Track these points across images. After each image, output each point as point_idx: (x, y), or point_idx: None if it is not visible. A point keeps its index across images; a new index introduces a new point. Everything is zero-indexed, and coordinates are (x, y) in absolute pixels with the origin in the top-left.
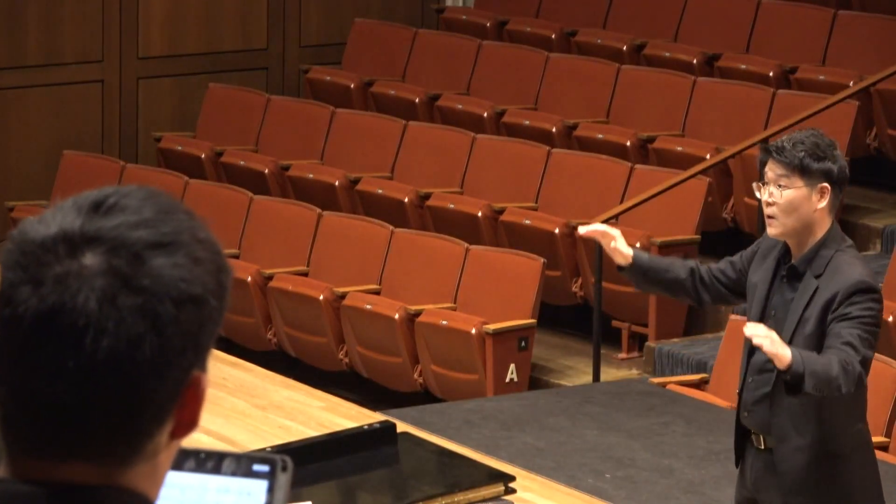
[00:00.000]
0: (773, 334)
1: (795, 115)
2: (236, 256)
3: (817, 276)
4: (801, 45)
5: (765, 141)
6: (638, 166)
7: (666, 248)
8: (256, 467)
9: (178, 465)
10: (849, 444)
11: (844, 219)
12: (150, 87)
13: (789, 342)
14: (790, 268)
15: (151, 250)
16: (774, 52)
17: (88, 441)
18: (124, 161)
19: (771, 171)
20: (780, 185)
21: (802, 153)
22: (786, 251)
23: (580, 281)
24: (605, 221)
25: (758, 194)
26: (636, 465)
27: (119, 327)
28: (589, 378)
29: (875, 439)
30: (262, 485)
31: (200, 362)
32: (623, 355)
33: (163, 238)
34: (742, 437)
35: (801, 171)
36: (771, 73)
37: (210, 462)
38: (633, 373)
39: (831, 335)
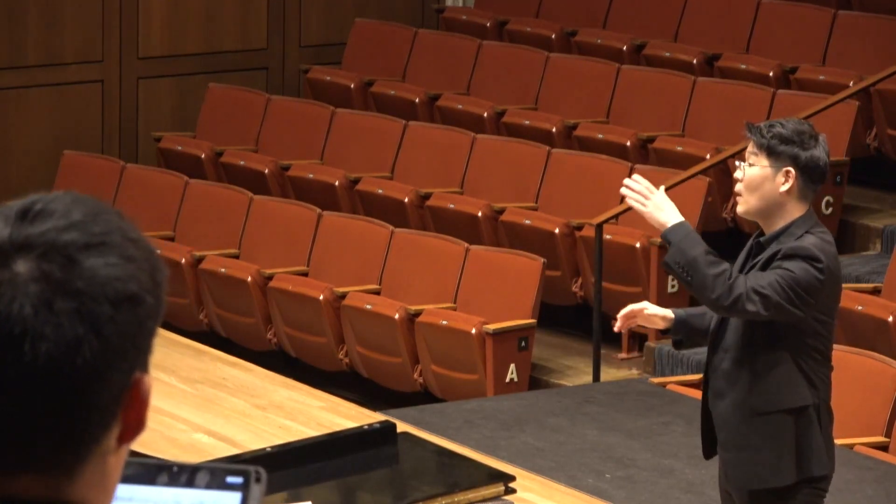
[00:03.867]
0: (657, 196)
1: (795, 115)
2: (236, 256)
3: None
4: (801, 45)
5: None
6: (638, 166)
7: (665, 249)
8: (230, 479)
9: (151, 480)
10: (785, 403)
11: (844, 219)
12: (150, 87)
13: None
14: (757, 244)
15: (83, 252)
16: (774, 52)
17: (34, 451)
18: (124, 161)
19: (748, 149)
20: (749, 164)
21: (772, 135)
22: (759, 235)
23: (580, 281)
24: (605, 222)
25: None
26: (636, 465)
27: (57, 332)
28: (589, 378)
29: (875, 439)
30: (236, 497)
31: (142, 363)
32: (623, 355)
33: (93, 239)
34: (708, 426)
35: (768, 150)
36: (771, 73)
37: (183, 476)
38: (633, 373)
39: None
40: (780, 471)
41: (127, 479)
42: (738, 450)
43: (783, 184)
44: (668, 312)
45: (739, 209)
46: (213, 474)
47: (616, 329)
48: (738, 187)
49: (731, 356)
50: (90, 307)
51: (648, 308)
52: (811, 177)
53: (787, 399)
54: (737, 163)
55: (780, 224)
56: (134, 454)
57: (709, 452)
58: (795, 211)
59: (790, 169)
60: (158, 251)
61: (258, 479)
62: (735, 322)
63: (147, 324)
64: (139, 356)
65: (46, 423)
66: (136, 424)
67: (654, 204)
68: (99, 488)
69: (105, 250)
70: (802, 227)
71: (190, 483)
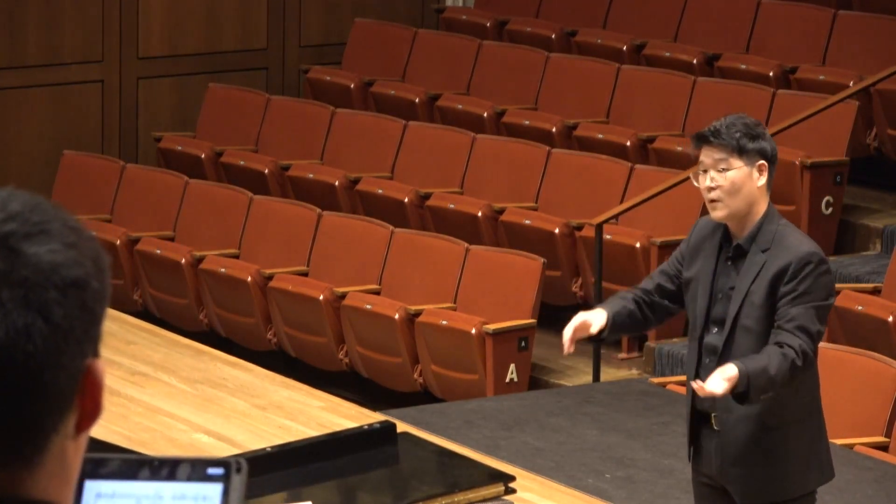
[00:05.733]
0: (718, 381)
1: (795, 115)
2: (236, 256)
3: (764, 251)
4: (801, 45)
5: None
6: (638, 166)
7: (666, 248)
8: (211, 471)
9: (132, 475)
10: (793, 414)
11: (844, 219)
12: (150, 87)
13: (735, 317)
14: (736, 247)
15: (25, 241)
16: (774, 52)
17: None
18: (124, 161)
19: (708, 156)
20: (720, 169)
21: (738, 134)
22: (725, 235)
23: (580, 281)
24: (606, 222)
25: (696, 183)
26: (636, 465)
27: (6, 321)
28: (589, 378)
29: (875, 439)
30: (217, 488)
31: (92, 348)
32: (623, 355)
33: (33, 228)
34: (697, 423)
35: (739, 151)
36: (771, 73)
37: (165, 469)
38: (633, 373)
39: (784, 315)
40: (794, 483)
41: (109, 475)
42: (751, 466)
43: (759, 178)
44: (602, 320)
45: (720, 214)
46: (193, 467)
47: (566, 352)
48: (716, 194)
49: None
50: (37, 294)
51: (592, 325)
52: (774, 164)
53: (797, 411)
54: (696, 173)
55: (751, 221)
56: (129, 452)
57: (694, 451)
58: (763, 204)
59: (763, 162)
60: (157, 251)
61: (239, 470)
62: (745, 338)
63: (95, 308)
64: (90, 341)
65: (4, 414)
66: (92, 410)
67: (719, 390)
68: (59, 479)
69: (46, 238)
70: (773, 222)
71: (171, 476)
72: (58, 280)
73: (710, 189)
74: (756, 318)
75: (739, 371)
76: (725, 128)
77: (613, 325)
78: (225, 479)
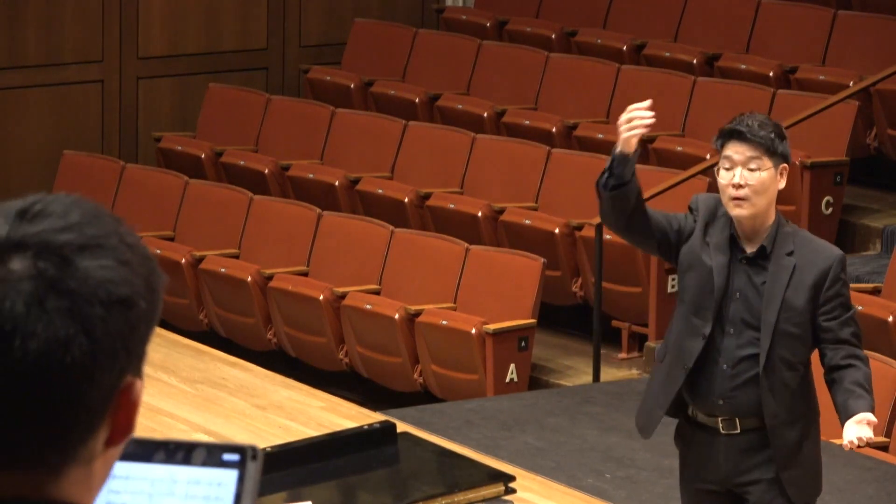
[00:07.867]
0: (865, 427)
1: (795, 115)
2: (236, 256)
3: (789, 254)
4: (801, 45)
5: None
6: (638, 166)
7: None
8: (226, 457)
9: (147, 457)
10: (815, 410)
11: (844, 219)
12: (150, 87)
13: (775, 323)
14: (760, 248)
15: (78, 253)
16: (774, 52)
17: (20, 450)
18: (124, 161)
19: (739, 153)
20: (751, 168)
21: (772, 134)
22: (734, 232)
23: (580, 281)
24: None
25: (722, 178)
26: (636, 465)
27: (48, 330)
28: (589, 378)
29: (875, 439)
30: (233, 474)
31: (134, 367)
32: (623, 355)
33: (89, 241)
34: (692, 429)
35: (770, 152)
36: (771, 73)
37: (180, 453)
38: (633, 373)
39: (841, 320)
40: (818, 482)
41: (124, 457)
42: (799, 463)
43: (780, 181)
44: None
45: (744, 213)
46: (209, 452)
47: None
48: (745, 193)
49: (786, 375)
50: (82, 307)
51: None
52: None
53: (815, 406)
54: (718, 168)
55: (766, 222)
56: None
57: (650, 431)
58: (774, 207)
59: (785, 165)
60: (157, 252)
61: (255, 457)
62: (786, 344)
63: (139, 328)
64: (131, 360)
65: (33, 422)
66: (124, 427)
67: (868, 427)
68: (83, 489)
69: (100, 253)
70: (784, 225)
71: (186, 461)
72: (104, 296)
73: (739, 187)
74: (797, 324)
75: (870, 409)
76: (758, 126)
77: (633, 176)
78: (241, 465)
